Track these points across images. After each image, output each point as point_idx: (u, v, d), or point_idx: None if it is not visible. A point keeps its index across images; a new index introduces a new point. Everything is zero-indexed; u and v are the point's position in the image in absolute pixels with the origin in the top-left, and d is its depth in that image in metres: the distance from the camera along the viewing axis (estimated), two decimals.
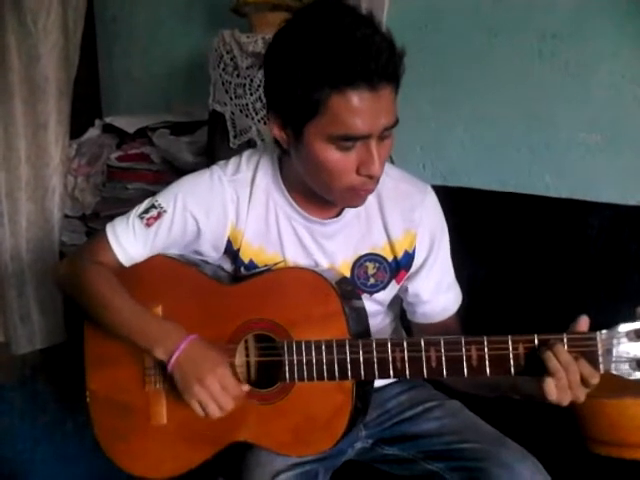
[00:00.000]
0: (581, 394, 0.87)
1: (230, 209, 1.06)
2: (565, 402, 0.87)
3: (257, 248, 1.07)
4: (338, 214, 1.07)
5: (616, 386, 0.99)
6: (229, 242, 1.07)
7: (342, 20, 0.88)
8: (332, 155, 0.92)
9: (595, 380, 0.86)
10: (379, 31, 0.89)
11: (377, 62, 0.86)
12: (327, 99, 0.87)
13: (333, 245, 1.08)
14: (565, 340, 0.87)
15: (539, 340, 0.88)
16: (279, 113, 0.96)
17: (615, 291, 1.33)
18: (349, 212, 1.07)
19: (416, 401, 1.16)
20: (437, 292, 1.12)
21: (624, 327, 0.85)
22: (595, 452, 1.13)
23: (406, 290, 1.13)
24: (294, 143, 0.96)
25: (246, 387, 1.00)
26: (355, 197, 0.98)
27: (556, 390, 0.86)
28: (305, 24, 0.91)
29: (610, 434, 1.10)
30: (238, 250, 1.07)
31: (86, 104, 2.48)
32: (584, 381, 0.86)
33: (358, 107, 0.87)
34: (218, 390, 0.96)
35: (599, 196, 1.37)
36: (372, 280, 1.09)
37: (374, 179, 0.95)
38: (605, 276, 1.35)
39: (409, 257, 1.09)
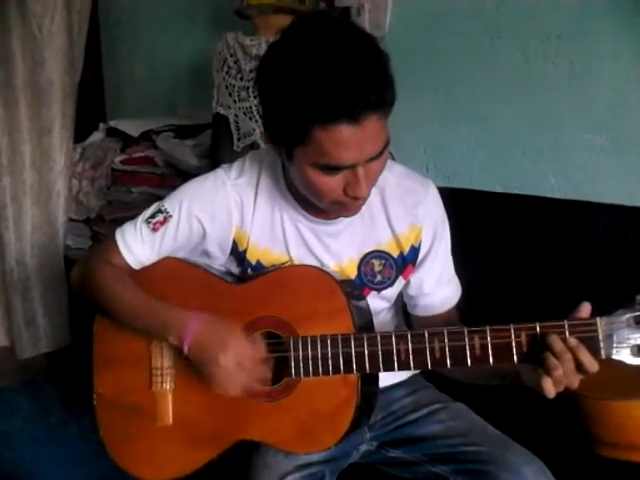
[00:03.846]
0: (575, 381, 0.88)
1: (234, 213, 1.07)
2: (560, 390, 0.88)
3: (264, 249, 1.08)
4: None
5: (622, 388, 0.99)
6: (234, 244, 1.08)
7: (325, 45, 0.86)
8: (319, 178, 0.93)
9: (594, 368, 0.87)
10: (365, 53, 0.87)
11: (359, 96, 0.84)
12: (311, 131, 0.87)
13: (338, 244, 1.08)
14: (566, 326, 0.88)
15: (541, 327, 0.90)
16: (270, 132, 0.97)
17: (620, 292, 1.32)
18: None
19: (421, 403, 1.15)
20: (439, 284, 1.13)
21: (624, 313, 0.86)
22: (601, 455, 1.12)
23: (409, 283, 1.13)
24: (286, 159, 0.97)
25: (262, 350, 0.99)
26: (344, 210, 1.00)
27: (553, 388, 0.87)
28: (289, 49, 0.89)
29: (616, 436, 1.09)
30: (244, 251, 1.08)
31: (90, 108, 2.49)
32: (582, 368, 0.87)
33: (342, 141, 0.87)
34: (232, 366, 0.96)
35: (604, 197, 1.37)
36: (379, 277, 1.10)
37: (360, 200, 0.96)
38: (610, 277, 1.34)
39: (415, 251, 1.10)
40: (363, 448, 1.14)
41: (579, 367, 0.87)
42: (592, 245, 1.37)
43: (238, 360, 0.97)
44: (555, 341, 0.87)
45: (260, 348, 1.00)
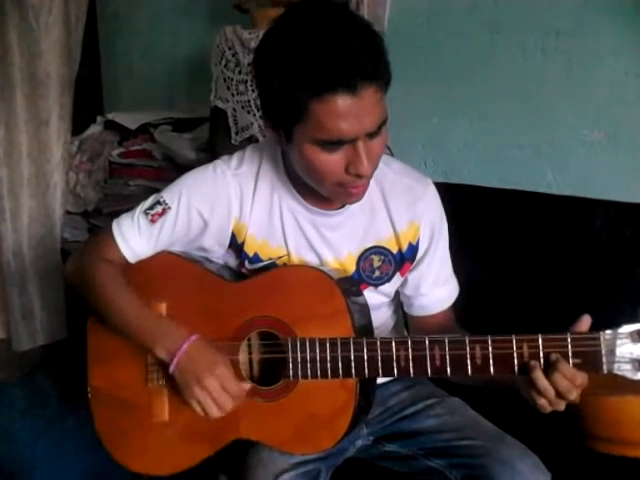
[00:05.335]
0: (575, 398, 0.89)
1: (234, 203, 1.06)
2: (561, 408, 0.90)
3: (261, 242, 1.08)
4: (342, 205, 1.07)
5: (617, 384, 0.99)
6: (233, 236, 1.08)
7: (320, 23, 0.87)
8: (320, 156, 0.92)
9: (579, 381, 0.87)
10: (360, 30, 0.88)
11: (354, 65, 0.85)
12: (309, 105, 0.87)
13: (338, 237, 1.08)
14: (569, 340, 0.87)
15: (543, 339, 0.89)
16: (269, 116, 0.97)
17: (617, 289, 1.33)
18: (353, 204, 1.07)
19: (417, 398, 1.16)
20: (435, 284, 1.13)
21: (627, 328, 0.86)
22: (596, 450, 1.13)
23: (406, 282, 1.13)
24: (286, 143, 0.97)
25: (247, 385, 1.00)
26: (347, 194, 0.98)
27: (549, 406, 0.89)
28: (284, 28, 0.90)
29: (611, 432, 1.09)
30: (242, 243, 1.08)
31: (88, 100, 2.48)
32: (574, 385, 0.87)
33: (340, 112, 0.87)
34: (217, 390, 0.96)
35: (602, 194, 1.37)
36: (377, 273, 1.10)
37: (363, 178, 0.95)
38: (607, 274, 1.35)
39: (413, 249, 1.10)
40: (359, 443, 1.14)
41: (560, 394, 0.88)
42: (589, 242, 1.37)
43: (222, 384, 0.97)
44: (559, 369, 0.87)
45: (245, 385, 0.99)
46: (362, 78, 0.86)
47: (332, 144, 0.90)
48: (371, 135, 0.91)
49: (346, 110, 0.87)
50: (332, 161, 0.92)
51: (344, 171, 0.93)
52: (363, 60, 0.85)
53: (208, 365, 0.97)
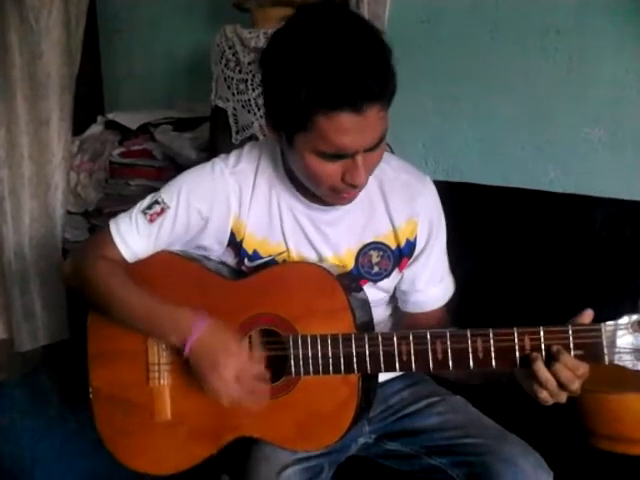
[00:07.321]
0: (576, 388, 0.88)
1: (233, 201, 1.06)
2: (563, 400, 0.89)
3: (261, 239, 1.08)
4: None
5: (619, 381, 0.99)
6: (232, 234, 1.08)
7: (334, 33, 0.88)
8: (318, 164, 0.94)
9: (581, 371, 0.87)
10: (371, 45, 0.88)
11: (362, 86, 0.86)
12: (313, 117, 0.89)
13: (337, 233, 1.08)
14: (570, 332, 0.88)
15: (544, 332, 0.89)
16: (272, 117, 0.98)
17: (618, 285, 1.33)
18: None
19: (419, 396, 1.16)
20: (431, 281, 1.13)
21: (627, 319, 0.86)
22: (598, 447, 1.13)
23: (402, 277, 1.13)
24: (286, 145, 0.98)
25: (262, 366, 0.99)
26: (339, 198, 1.01)
27: (551, 398, 0.89)
28: (297, 34, 0.91)
29: (613, 429, 1.10)
30: (241, 241, 1.08)
31: (88, 100, 2.48)
32: (575, 377, 0.87)
33: (344, 128, 0.88)
34: (231, 379, 0.96)
35: (603, 191, 1.37)
36: (376, 268, 1.10)
37: (357, 187, 0.97)
38: (608, 271, 1.35)
39: (411, 245, 1.11)
40: (361, 441, 1.14)
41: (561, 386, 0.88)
42: (590, 239, 1.37)
43: (237, 374, 0.96)
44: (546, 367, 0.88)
45: (260, 366, 0.99)
46: (368, 99, 0.87)
47: (332, 157, 0.92)
48: (371, 148, 0.93)
49: (349, 127, 0.88)
50: (330, 169, 0.94)
51: (339, 179, 0.95)
52: (372, 81, 0.86)
53: (222, 351, 0.97)
